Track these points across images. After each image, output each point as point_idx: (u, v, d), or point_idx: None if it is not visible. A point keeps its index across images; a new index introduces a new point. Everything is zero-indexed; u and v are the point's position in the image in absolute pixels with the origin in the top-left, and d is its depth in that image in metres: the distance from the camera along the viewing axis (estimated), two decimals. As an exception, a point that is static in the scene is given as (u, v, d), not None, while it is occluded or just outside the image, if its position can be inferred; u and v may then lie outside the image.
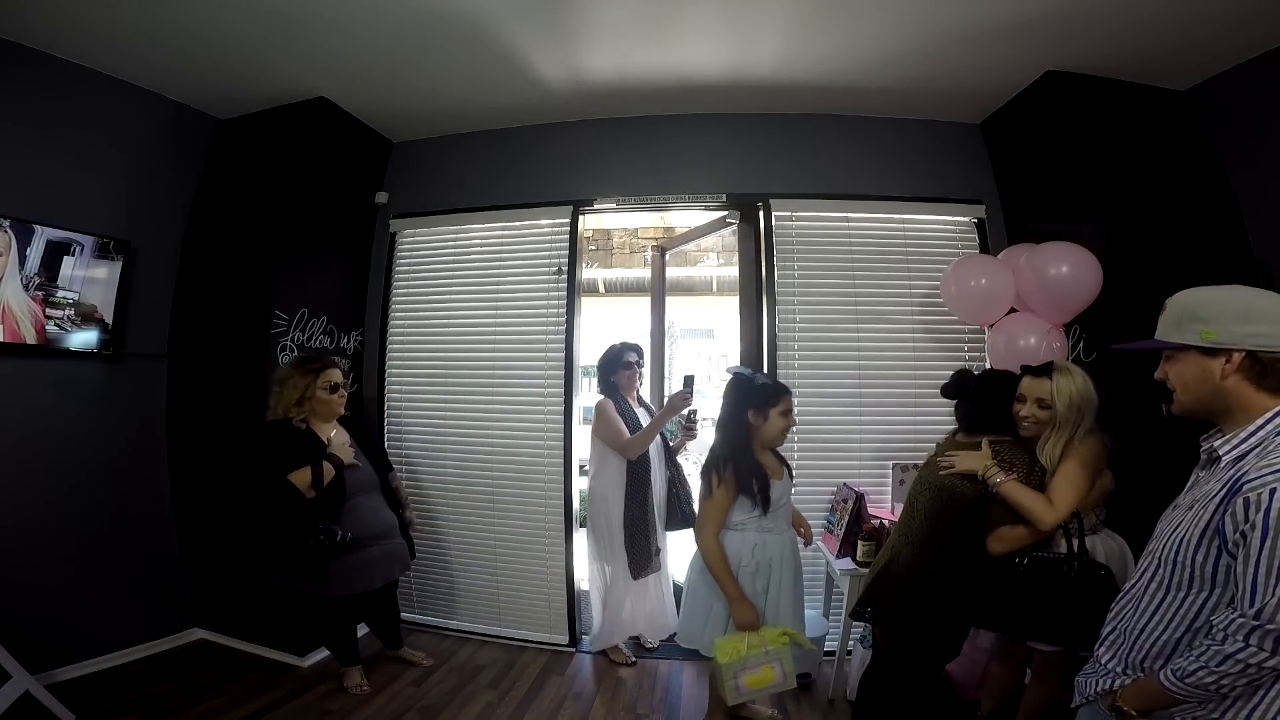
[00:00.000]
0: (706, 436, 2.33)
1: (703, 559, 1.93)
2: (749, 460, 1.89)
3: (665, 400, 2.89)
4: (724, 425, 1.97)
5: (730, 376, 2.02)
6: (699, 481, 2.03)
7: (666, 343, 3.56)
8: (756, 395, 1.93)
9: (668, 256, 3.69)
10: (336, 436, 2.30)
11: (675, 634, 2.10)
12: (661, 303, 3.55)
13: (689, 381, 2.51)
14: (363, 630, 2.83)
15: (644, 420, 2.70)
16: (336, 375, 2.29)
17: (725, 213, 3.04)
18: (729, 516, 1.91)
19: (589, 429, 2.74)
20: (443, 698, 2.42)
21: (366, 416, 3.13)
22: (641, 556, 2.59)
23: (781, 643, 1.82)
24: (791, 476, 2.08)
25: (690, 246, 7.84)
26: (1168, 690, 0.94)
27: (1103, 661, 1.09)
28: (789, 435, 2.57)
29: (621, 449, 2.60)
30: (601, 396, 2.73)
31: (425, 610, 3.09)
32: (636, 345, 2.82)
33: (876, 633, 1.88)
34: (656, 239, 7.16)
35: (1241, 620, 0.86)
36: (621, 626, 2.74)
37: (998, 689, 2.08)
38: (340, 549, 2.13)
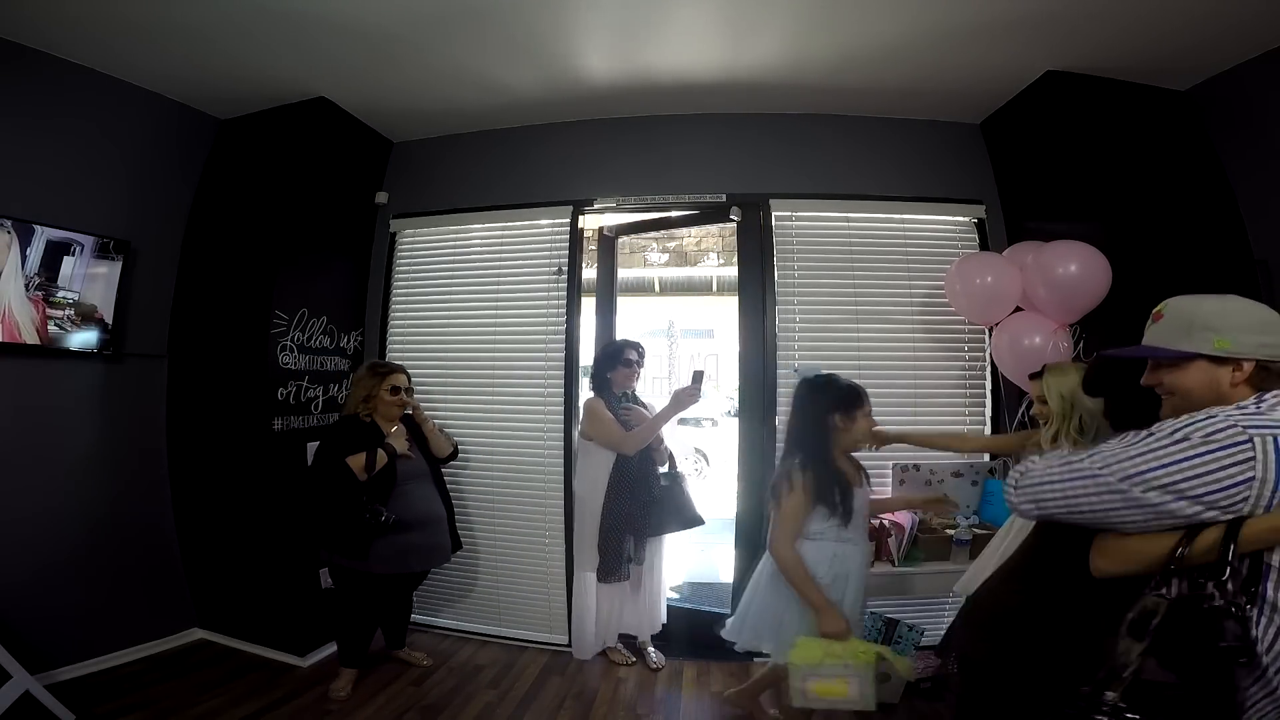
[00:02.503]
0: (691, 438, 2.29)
1: (779, 569, 1.81)
2: (829, 467, 1.80)
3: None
4: (801, 429, 1.86)
5: (802, 379, 1.92)
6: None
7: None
8: (846, 396, 1.83)
9: (617, 245, 3.28)
10: (397, 431, 2.48)
11: (723, 632, 2.01)
12: (611, 299, 3.18)
13: (698, 377, 2.48)
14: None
15: (634, 419, 2.62)
16: (400, 380, 2.50)
17: (687, 212, 3.04)
18: (805, 525, 1.80)
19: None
20: (443, 698, 2.42)
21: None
22: (612, 561, 2.52)
23: (867, 659, 1.66)
24: (869, 482, 1.97)
25: (691, 245, 7.84)
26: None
27: None
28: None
29: (618, 445, 2.54)
30: (591, 395, 2.65)
31: (425, 610, 3.09)
32: (638, 343, 2.75)
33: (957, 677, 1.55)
34: (656, 239, 7.12)
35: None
36: (601, 632, 2.67)
37: None
38: (384, 529, 2.29)
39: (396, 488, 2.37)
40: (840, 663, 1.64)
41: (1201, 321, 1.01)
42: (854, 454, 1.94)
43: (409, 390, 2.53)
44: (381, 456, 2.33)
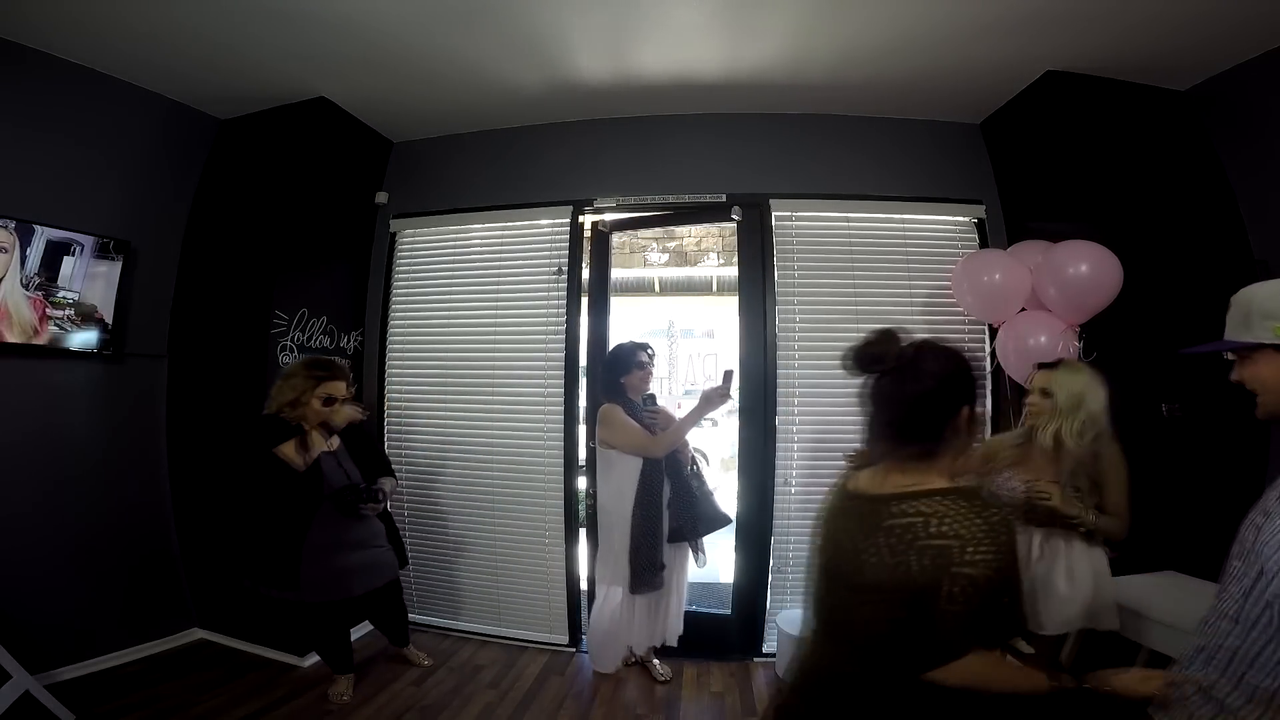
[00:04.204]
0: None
1: None
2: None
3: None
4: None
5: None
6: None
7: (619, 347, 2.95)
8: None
9: (614, 239, 3.15)
10: (333, 440, 2.26)
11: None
12: (605, 296, 3.08)
13: (729, 376, 2.41)
14: (365, 630, 2.84)
15: (655, 423, 2.53)
16: (337, 389, 2.22)
17: (672, 211, 3.03)
18: None
19: (593, 435, 2.57)
20: (443, 698, 2.42)
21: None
22: (646, 571, 2.40)
23: None
24: None
25: (691, 245, 7.84)
26: None
27: (1217, 695, 0.93)
28: (792, 436, 2.53)
29: (646, 450, 2.42)
30: (605, 402, 2.52)
31: (425, 610, 3.09)
32: (647, 344, 2.62)
33: None
34: (656, 238, 7.12)
35: None
36: (623, 648, 2.57)
37: None
38: (370, 499, 2.17)
39: (325, 505, 2.16)
40: None
41: (1259, 309, 0.94)
42: None
43: (345, 402, 2.25)
44: (317, 438, 2.09)
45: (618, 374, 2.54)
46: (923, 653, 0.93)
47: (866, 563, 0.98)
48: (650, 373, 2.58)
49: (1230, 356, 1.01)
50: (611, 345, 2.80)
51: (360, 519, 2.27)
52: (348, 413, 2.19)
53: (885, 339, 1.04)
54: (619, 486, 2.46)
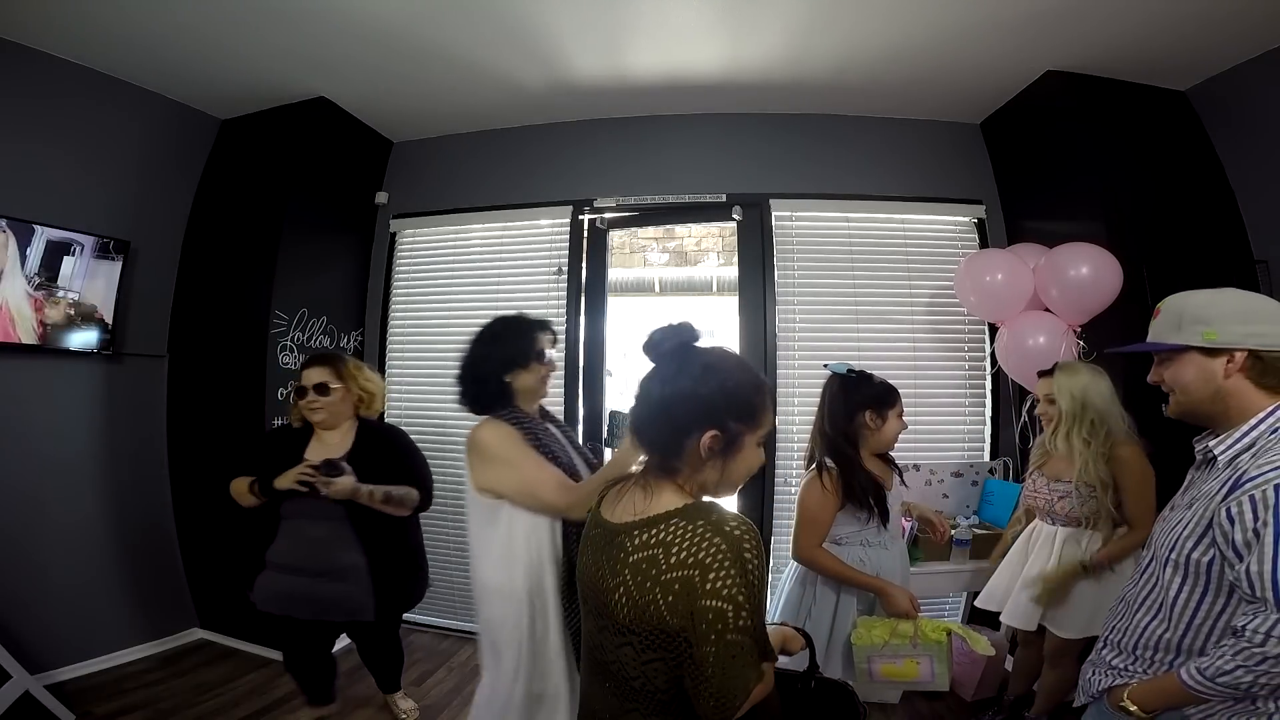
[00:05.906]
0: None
1: (814, 572, 1.68)
2: (858, 467, 1.66)
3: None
4: (828, 428, 1.71)
5: (831, 375, 1.77)
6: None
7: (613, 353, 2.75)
8: (878, 393, 1.70)
9: (615, 240, 2.98)
10: (339, 445, 1.91)
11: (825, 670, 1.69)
12: (602, 294, 3.00)
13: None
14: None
15: (572, 452, 1.55)
16: (306, 377, 1.91)
17: (670, 209, 3.00)
18: (833, 530, 1.66)
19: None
20: (443, 698, 2.42)
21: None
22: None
23: (937, 639, 1.53)
24: (904, 482, 1.87)
25: (691, 245, 7.83)
26: (1192, 690, 0.91)
27: (1107, 660, 1.09)
28: (792, 436, 2.55)
29: (552, 506, 1.38)
30: (485, 417, 1.45)
31: (425, 610, 3.09)
32: (548, 322, 1.59)
33: None
34: (656, 238, 7.11)
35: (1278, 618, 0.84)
36: None
37: (1023, 673, 2.14)
38: (325, 471, 1.75)
39: (283, 522, 1.89)
40: (907, 642, 1.52)
41: (1191, 314, 1.00)
42: (887, 454, 1.80)
43: (324, 386, 1.88)
44: (294, 475, 1.75)
45: (501, 369, 1.47)
46: (706, 702, 0.80)
47: (618, 602, 0.86)
48: (552, 368, 1.56)
49: (1160, 358, 1.07)
50: (595, 356, 2.20)
51: (313, 544, 1.86)
52: (292, 475, 1.78)
53: (671, 329, 0.92)
54: (513, 555, 1.39)
